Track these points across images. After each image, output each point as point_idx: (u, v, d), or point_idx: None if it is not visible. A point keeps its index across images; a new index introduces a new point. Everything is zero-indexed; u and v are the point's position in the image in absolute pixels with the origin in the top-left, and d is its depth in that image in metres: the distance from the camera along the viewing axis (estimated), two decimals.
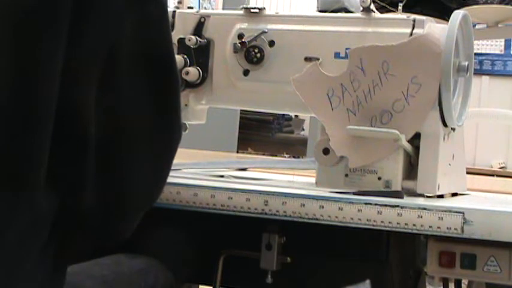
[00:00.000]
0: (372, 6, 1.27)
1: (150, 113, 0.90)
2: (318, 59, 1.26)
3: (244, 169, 1.55)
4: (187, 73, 1.33)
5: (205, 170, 1.46)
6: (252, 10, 1.34)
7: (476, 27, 2.68)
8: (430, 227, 1.05)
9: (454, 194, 1.30)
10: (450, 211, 1.04)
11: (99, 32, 0.83)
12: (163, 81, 0.92)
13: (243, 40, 1.31)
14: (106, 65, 0.84)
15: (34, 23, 0.79)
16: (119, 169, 0.89)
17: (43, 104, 0.80)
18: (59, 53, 0.80)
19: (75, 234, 0.89)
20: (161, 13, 0.91)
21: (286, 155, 4.18)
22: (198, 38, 1.33)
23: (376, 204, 1.07)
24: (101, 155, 0.86)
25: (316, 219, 1.10)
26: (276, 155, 4.06)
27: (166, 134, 0.93)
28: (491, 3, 2.94)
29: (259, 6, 1.35)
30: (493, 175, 3.45)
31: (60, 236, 0.86)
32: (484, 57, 3.98)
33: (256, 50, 1.30)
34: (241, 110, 4.14)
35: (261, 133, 4.64)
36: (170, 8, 1.39)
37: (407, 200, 1.10)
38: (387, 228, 1.07)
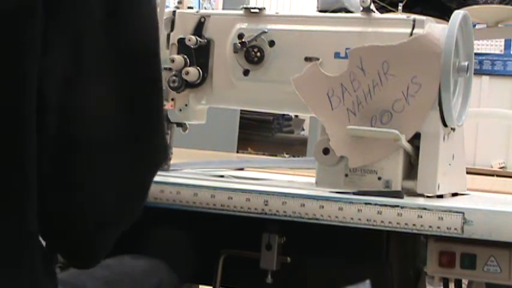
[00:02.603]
0: (372, 6, 1.27)
1: (124, 118, 0.84)
2: (318, 59, 1.26)
3: (241, 168, 1.55)
4: (187, 73, 1.33)
5: (205, 169, 1.46)
6: (252, 10, 1.34)
7: (476, 27, 2.68)
8: (430, 227, 1.05)
9: (454, 194, 1.30)
10: (450, 211, 1.04)
11: (62, 31, 0.81)
12: (141, 82, 0.86)
13: (243, 40, 1.31)
14: (71, 64, 0.81)
15: (10, 27, 0.78)
16: (79, 178, 0.83)
17: (29, 110, 0.79)
18: (35, 58, 0.78)
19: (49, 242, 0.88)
20: (136, 12, 0.86)
21: (286, 155, 4.17)
22: (198, 38, 1.33)
23: (376, 204, 1.07)
24: (60, 157, 0.82)
25: (316, 219, 1.10)
26: (276, 155, 4.06)
27: (144, 144, 0.87)
28: (491, 3, 2.94)
29: (259, 6, 1.35)
30: (493, 175, 3.45)
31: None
32: (484, 57, 3.97)
33: (256, 50, 1.30)
34: (241, 110, 4.14)
35: (261, 133, 4.64)
36: (170, 8, 1.39)
37: (407, 200, 1.10)
38: (387, 228, 1.07)
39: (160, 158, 0.92)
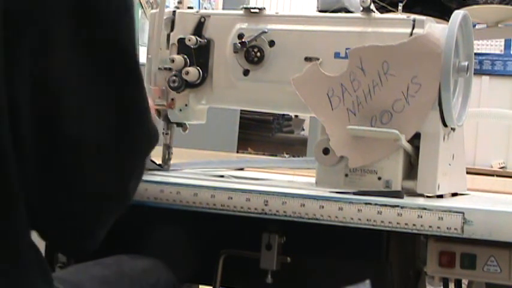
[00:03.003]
0: (372, 6, 1.27)
1: (108, 113, 0.84)
2: (318, 59, 1.26)
3: (241, 168, 1.55)
4: (187, 73, 1.33)
5: (205, 169, 1.46)
6: (252, 10, 1.34)
7: (476, 27, 2.68)
8: (430, 227, 1.05)
9: (454, 194, 1.30)
10: (450, 211, 1.04)
11: (28, 35, 0.80)
12: (117, 74, 0.86)
13: (243, 40, 1.31)
14: (39, 60, 0.80)
15: None
16: (77, 178, 0.84)
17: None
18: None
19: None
20: (104, 9, 0.85)
21: (286, 155, 4.17)
22: (198, 38, 1.33)
23: (376, 204, 1.07)
24: (42, 155, 0.82)
25: (316, 219, 1.10)
26: (276, 155, 4.06)
27: (132, 137, 0.87)
28: (491, 3, 2.94)
29: (259, 6, 1.35)
30: (493, 175, 3.45)
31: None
32: (484, 57, 3.98)
33: (256, 50, 1.30)
34: (241, 110, 4.14)
35: (261, 133, 4.64)
36: (170, 8, 1.39)
37: (407, 200, 1.10)
38: (387, 228, 1.07)
39: (148, 147, 0.92)
